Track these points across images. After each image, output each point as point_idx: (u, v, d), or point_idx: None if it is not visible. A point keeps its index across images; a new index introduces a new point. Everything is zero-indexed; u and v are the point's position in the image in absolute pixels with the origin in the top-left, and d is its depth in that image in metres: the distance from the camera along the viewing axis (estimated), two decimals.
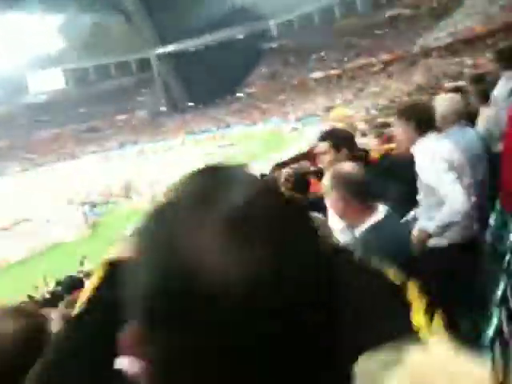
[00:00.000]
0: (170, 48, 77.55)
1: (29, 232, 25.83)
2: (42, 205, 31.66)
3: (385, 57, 57.33)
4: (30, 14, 73.14)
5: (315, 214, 2.88)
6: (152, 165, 43.39)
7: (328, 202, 2.74)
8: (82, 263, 13.93)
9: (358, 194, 2.48)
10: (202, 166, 0.56)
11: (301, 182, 5.36)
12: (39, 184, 50.26)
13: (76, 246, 22.36)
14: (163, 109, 77.21)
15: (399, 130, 3.43)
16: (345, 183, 2.49)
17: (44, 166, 62.00)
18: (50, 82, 79.96)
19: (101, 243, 22.22)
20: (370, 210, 2.47)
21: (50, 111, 74.81)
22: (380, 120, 15.45)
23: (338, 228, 2.85)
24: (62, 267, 16.90)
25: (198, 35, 73.73)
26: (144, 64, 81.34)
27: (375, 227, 2.41)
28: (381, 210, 2.46)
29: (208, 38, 74.16)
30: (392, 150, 4.69)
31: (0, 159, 66.90)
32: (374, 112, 36.91)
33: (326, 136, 3.48)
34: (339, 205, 2.53)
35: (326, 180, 2.60)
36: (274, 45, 75.03)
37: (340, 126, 4.36)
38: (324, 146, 3.40)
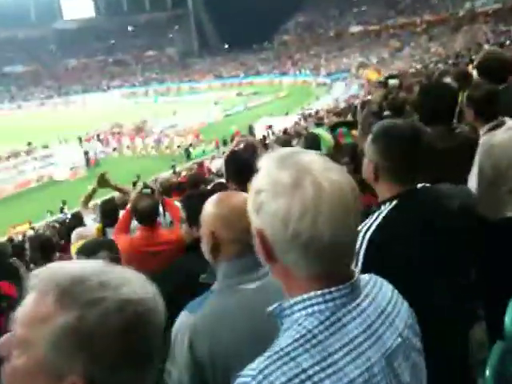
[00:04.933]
0: None
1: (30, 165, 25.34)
2: (53, 137, 31.02)
3: (428, 17, 54.00)
4: None
5: None
6: (173, 106, 42.08)
7: None
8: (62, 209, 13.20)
9: None
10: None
11: None
12: (59, 114, 49.75)
13: (69, 186, 21.56)
14: (194, 49, 75.14)
15: None
16: None
17: (68, 96, 61.39)
18: (81, 10, 78.14)
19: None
20: None
21: (80, 40, 73.48)
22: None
23: None
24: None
25: None
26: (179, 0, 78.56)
27: None
28: None
29: None
30: None
31: (26, 85, 66.60)
32: None
33: None
34: None
35: None
36: None
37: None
38: None
